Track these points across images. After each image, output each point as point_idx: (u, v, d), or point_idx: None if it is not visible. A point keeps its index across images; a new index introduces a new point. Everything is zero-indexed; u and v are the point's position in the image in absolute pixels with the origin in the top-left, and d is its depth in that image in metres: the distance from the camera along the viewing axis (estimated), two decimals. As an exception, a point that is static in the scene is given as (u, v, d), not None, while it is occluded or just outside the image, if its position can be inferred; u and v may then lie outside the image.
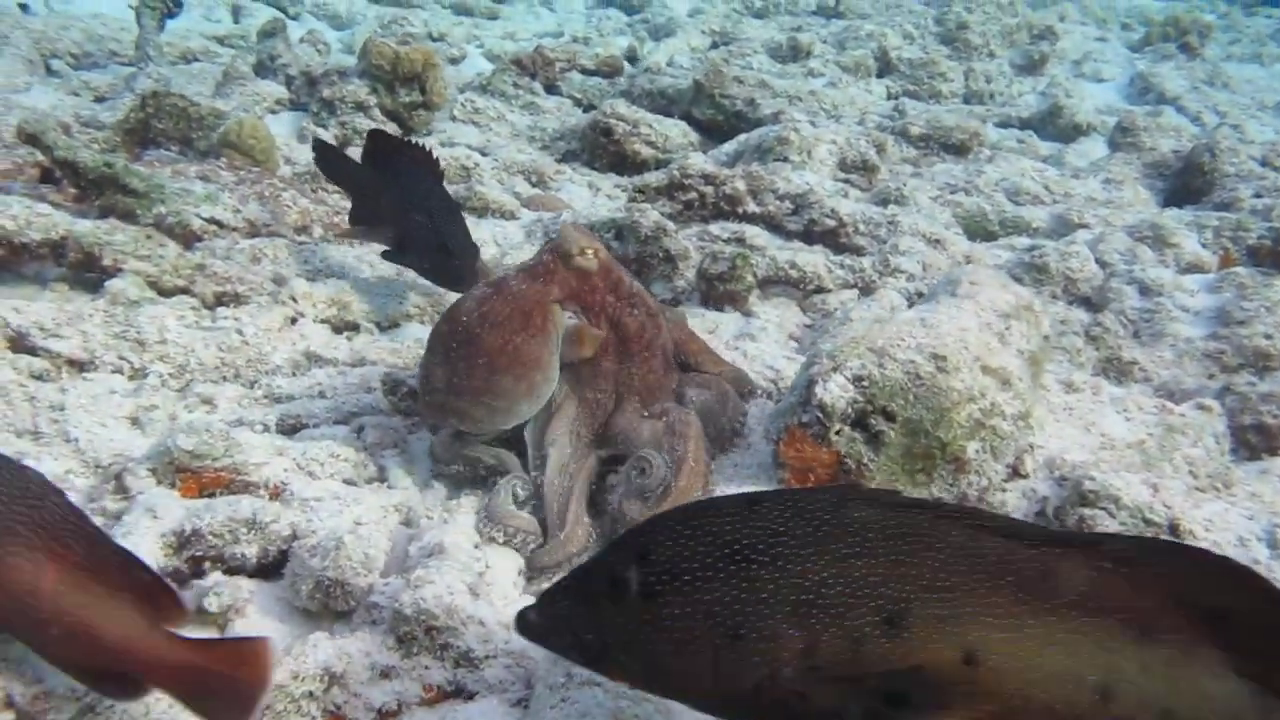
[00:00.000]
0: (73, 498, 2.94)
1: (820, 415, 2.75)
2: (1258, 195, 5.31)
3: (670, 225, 4.41)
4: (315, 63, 6.90)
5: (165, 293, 3.98)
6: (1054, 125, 7.48)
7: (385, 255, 4.23)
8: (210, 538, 2.68)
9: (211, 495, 2.91)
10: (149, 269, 4.02)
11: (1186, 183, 5.73)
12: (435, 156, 4.34)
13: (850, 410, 2.74)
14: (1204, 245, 4.88)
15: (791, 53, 8.65)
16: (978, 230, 5.26)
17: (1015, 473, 2.82)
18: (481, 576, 2.60)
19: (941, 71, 8.22)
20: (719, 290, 4.17)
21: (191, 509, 2.75)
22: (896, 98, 8.06)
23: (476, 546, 2.74)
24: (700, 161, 5.01)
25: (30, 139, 4.46)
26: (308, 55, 7.48)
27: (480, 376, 2.89)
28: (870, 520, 1.59)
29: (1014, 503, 2.80)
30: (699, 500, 2.44)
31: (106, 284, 3.79)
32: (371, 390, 3.58)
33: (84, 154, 4.54)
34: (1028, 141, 7.08)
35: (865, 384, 2.74)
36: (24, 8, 8.84)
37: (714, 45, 9.75)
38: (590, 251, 3.00)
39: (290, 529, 2.75)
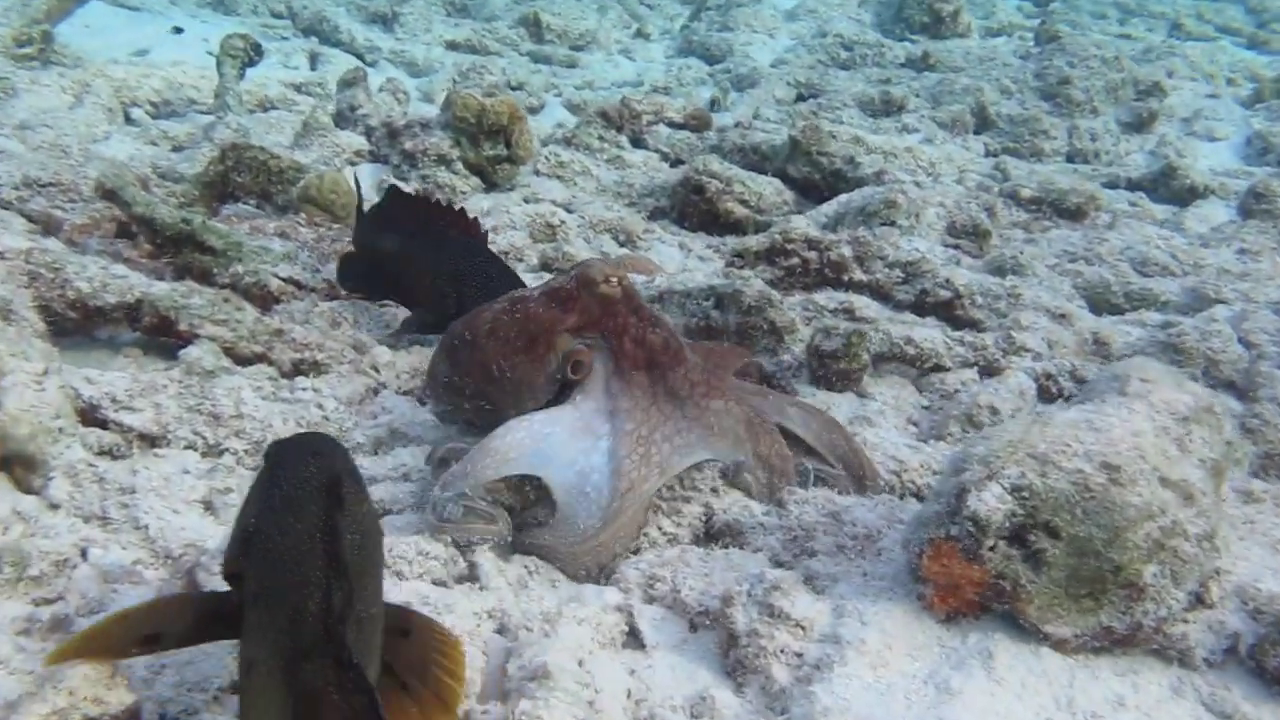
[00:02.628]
0: (141, 592, 2.74)
1: (972, 529, 2.42)
2: None
3: (776, 295, 4.11)
4: (396, 113, 6.72)
5: (242, 360, 3.76)
6: (1167, 187, 7.08)
7: (404, 326, 4.16)
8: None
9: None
10: (226, 334, 3.80)
11: (1331, 257, 5.33)
12: (473, 218, 4.17)
13: (1007, 524, 2.41)
14: (1360, 324, 4.48)
15: (884, 107, 8.36)
16: (1101, 303, 4.89)
17: (1199, 601, 2.46)
18: (592, 705, 2.31)
19: (1044, 129, 7.87)
20: (831, 369, 3.85)
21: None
22: (996, 155, 7.73)
23: (582, 663, 2.45)
24: (803, 225, 4.72)
25: (108, 194, 4.29)
26: (387, 104, 7.32)
27: (475, 382, 3.04)
28: None
29: (1197, 636, 2.43)
30: None
31: (182, 353, 3.56)
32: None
33: (161, 210, 4.36)
34: (1140, 204, 6.69)
35: (1025, 495, 2.40)
36: (178, 30, 8.98)
37: (799, 98, 9.48)
38: (615, 280, 3.04)
39: (373, 641, 2.47)
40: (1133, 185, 7.21)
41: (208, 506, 3.06)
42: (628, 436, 2.94)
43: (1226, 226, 6.08)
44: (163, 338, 3.87)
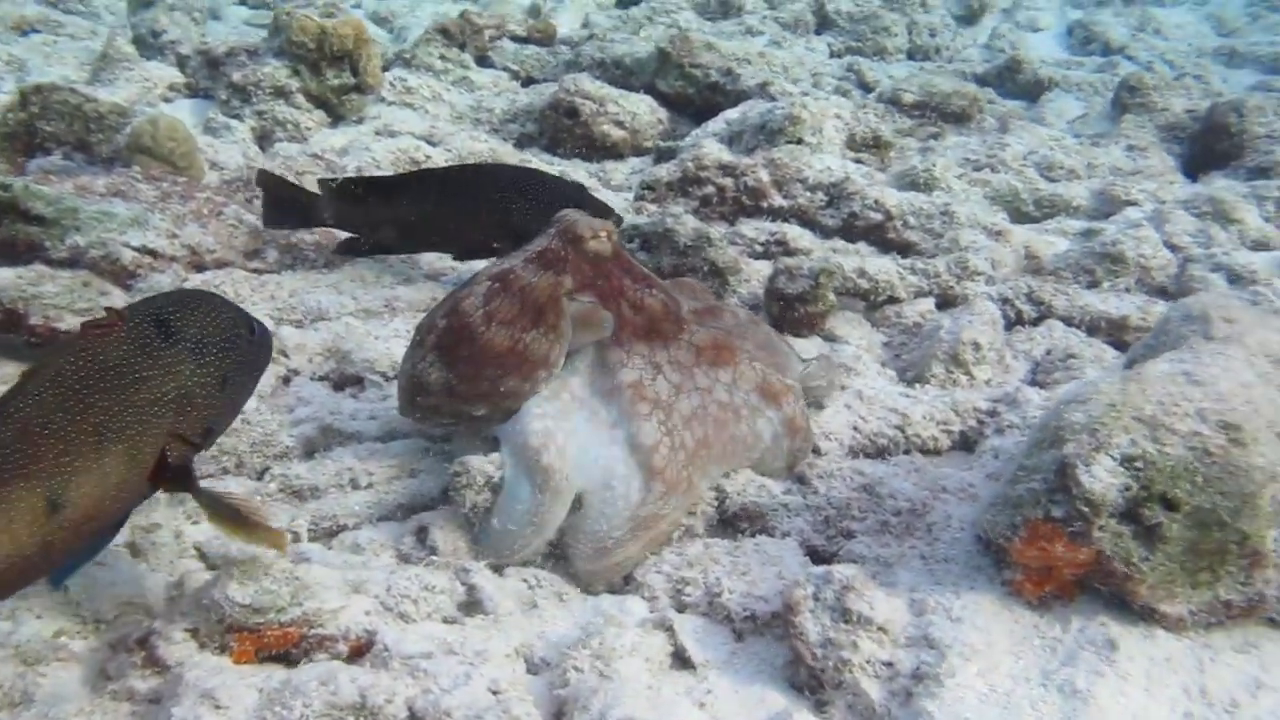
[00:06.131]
0: (73, 671, 2.22)
1: (1084, 508, 2.16)
2: (1301, 158, 4.92)
3: (714, 233, 3.74)
4: (214, 40, 5.90)
5: (116, 357, 3.13)
6: (1013, 81, 7.02)
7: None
8: (308, 735, 1.96)
9: (278, 657, 2.19)
10: (93, 326, 3.15)
11: (1209, 146, 5.30)
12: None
13: (1121, 500, 2.16)
14: (1267, 219, 4.47)
15: (721, 9, 7.99)
16: (1013, 213, 4.73)
17: (1316, 562, 2.29)
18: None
19: (885, 25, 7.68)
20: (797, 313, 3.52)
21: (269, 692, 2.02)
22: (840, 55, 7.50)
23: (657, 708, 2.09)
24: (716, 150, 4.34)
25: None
26: (183, 25, 6.45)
27: (486, 380, 2.56)
28: None
29: (1317, 602, 2.26)
30: None
31: (50, 356, 2.92)
32: (416, 473, 2.85)
33: (-32, 175, 3.61)
34: (995, 102, 6.59)
35: (1139, 466, 2.15)
36: None
37: (620, 2, 8.99)
38: (604, 234, 2.68)
39: (407, 709, 2.04)
40: (980, 80, 7.10)
41: (133, 549, 2.52)
42: (646, 422, 2.55)
43: (1091, 119, 6.06)
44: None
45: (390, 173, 4.68)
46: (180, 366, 2.07)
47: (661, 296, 2.71)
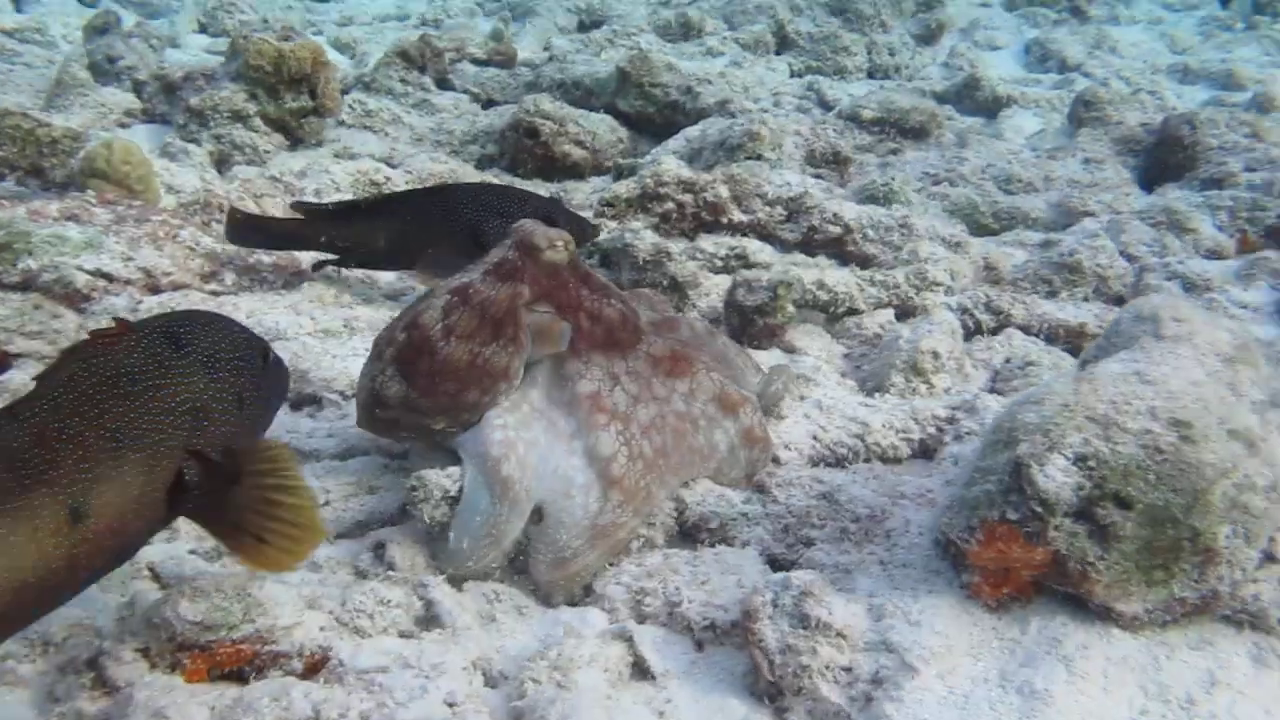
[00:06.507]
0: (20, 694, 2.18)
1: (1038, 508, 2.16)
2: (1250, 169, 4.97)
3: (673, 247, 3.75)
4: (170, 66, 5.88)
5: (68, 378, 3.10)
6: (972, 99, 7.09)
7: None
8: (262, 752, 1.93)
9: (231, 675, 2.15)
10: (44, 349, 3.14)
11: (1163, 158, 5.37)
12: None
13: (1075, 499, 2.16)
14: (1220, 228, 4.52)
15: (682, 30, 8.04)
16: (972, 225, 4.76)
17: (1269, 558, 2.30)
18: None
19: (844, 45, 7.74)
20: (757, 325, 3.52)
21: (220, 710, 2.00)
22: (800, 75, 7.55)
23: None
24: (674, 165, 4.34)
25: None
26: (140, 51, 6.42)
27: (446, 394, 2.54)
28: None
29: (1270, 595, 2.26)
30: None
31: (3, 378, 2.89)
32: (375, 490, 2.83)
33: (-80, 200, 3.58)
34: (954, 119, 6.65)
35: (1092, 465, 2.16)
36: None
37: (581, 25, 9.04)
38: (560, 243, 2.64)
39: (363, 725, 2.02)
40: (939, 98, 7.17)
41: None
42: (604, 432, 2.54)
43: (1049, 134, 6.12)
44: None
45: (350, 195, 4.67)
46: (193, 377, 2.03)
47: (619, 306, 2.70)
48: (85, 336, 1.99)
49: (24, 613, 1.75)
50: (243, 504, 2.01)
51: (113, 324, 2.00)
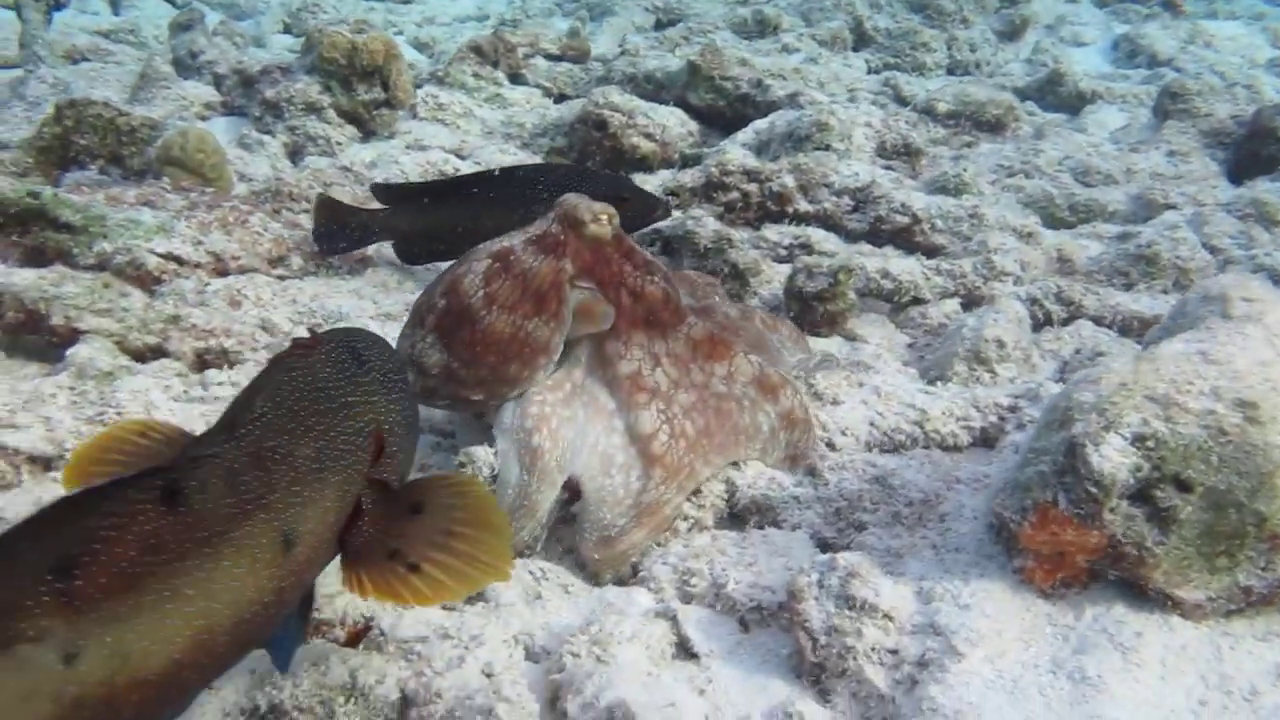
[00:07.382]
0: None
1: (1093, 489, 2.08)
2: (1344, 162, 4.78)
3: (735, 235, 3.70)
4: (249, 59, 5.99)
5: (134, 355, 3.16)
6: (1055, 94, 6.92)
7: None
8: (296, 715, 1.93)
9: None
10: (112, 326, 3.20)
11: (1254, 150, 5.17)
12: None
13: (1131, 481, 2.08)
14: (1310, 222, 4.35)
15: (758, 28, 7.98)
16: (1046, 217, 4.64)
17: (1342, 547, 2.19)
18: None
19: (924, 41, 7.62)
20: (817, 312, 3.46)
21: (260, 674, 2.01)
22: (878, 71, 7.45)
23: (652, 692, 2.04)
24: (740, 155, 4.31)
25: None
26: (223, 48, 6.56)
27: (486, 366, 2.52)
28: None
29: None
30: None
31: (69, 353, 2.95)
32: (426, 469, 2.83)
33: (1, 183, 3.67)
34: (1035, 114, 6.50)
35: (1150, 445, 2.08)
36: None
37: (659, 24, 9.03)
38: (604, 218, 2.60)
39: (399, 690, 2.01)
40: (1021, 95, 7.01)
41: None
42: (645, 411, 2.51)
43: (1134, 129, 5.95)
44: (30, 336, 3.24)
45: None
46: (374, 397, 1.87)
47: (662, 284, 2.66)
48: (287, 345, 1.84)
49: (235, 654, 1.57)
50: (417, 536, 1.81)
51: (307, 334, 1.87)
